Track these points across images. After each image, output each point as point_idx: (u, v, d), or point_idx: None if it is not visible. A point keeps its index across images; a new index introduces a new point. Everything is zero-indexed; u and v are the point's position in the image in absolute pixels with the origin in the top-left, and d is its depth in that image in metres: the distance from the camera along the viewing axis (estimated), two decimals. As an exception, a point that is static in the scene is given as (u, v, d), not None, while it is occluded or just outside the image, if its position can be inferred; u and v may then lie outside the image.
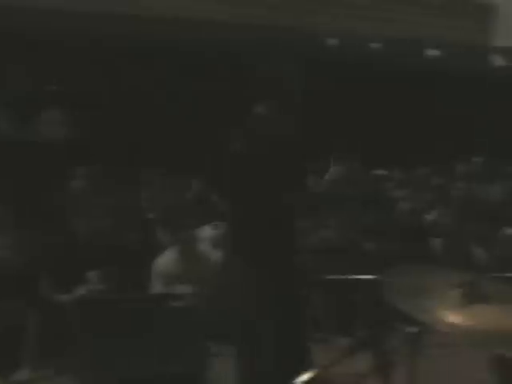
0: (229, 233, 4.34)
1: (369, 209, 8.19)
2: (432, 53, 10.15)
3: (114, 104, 10.17)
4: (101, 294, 6.03)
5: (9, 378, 5.46)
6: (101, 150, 8.96)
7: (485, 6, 10.43)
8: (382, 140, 13.26)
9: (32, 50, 9.70)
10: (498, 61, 10.60)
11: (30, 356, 5.61)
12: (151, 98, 10.42)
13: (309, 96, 4.07)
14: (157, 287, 6.24)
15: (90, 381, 4.94)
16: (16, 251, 6.01)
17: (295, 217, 4.15)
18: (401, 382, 2.67)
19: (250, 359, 3.86)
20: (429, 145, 13.71)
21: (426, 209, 8.46)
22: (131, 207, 7.73)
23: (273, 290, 3.80)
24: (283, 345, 3.79)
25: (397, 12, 9.83)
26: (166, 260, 6.34)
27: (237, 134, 3.89)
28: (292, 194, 3.98)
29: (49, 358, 5.61)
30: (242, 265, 3.86)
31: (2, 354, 5.35)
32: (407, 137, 13.36)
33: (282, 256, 3.91)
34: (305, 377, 2.49)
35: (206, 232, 6.89)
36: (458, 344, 2.51)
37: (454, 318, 2.38)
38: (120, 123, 9.91)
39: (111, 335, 4.96)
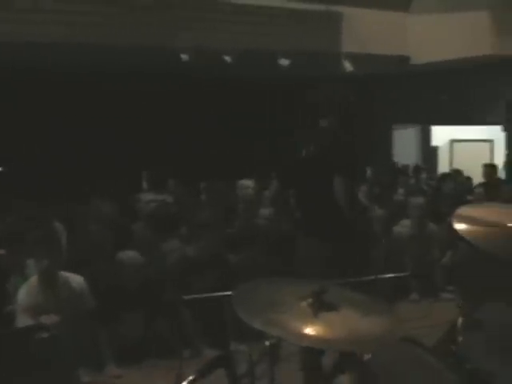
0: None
1: (230, 221, 8.28)
2: (283, 62, 10.36)
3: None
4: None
5: None
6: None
7: (330, 14, 10.73)
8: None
9: None
10: (348, 66, 10.94)
11: None
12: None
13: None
14: (22, 320, 6.06)
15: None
16: None
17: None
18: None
19: None
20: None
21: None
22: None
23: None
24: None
25: (246, 24, 9.97)
26: (27, 290, 6.16)
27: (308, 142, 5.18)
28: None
29: None
30: None
31: None
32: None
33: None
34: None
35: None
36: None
37: (305, 329, 2.45)
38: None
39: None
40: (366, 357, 2.82)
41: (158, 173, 10.99)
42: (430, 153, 15.05)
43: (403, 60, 11.95)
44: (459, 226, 3.48)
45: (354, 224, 5.16)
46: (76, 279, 6.27)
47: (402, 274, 3.97)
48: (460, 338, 3.20)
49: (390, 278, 4.56)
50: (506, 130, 11.62)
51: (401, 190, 10.30)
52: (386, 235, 8.52)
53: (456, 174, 11.55)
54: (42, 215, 8.21)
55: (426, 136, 15.05)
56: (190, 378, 2.48)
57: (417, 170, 12.98)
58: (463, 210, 3.70)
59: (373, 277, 3.91)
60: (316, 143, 5.19)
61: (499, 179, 10.86)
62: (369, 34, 11.00)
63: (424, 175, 12.55)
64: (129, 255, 6.66)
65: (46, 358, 5.34)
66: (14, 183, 10.06)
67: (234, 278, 6.66)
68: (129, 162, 12.13)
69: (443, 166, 14.63)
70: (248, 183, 9.80)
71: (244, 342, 3.04)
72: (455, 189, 10.48)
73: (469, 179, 11.50)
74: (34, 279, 6.15)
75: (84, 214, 8.63)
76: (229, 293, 5.20)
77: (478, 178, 10.99)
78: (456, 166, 13.38)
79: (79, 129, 12.28)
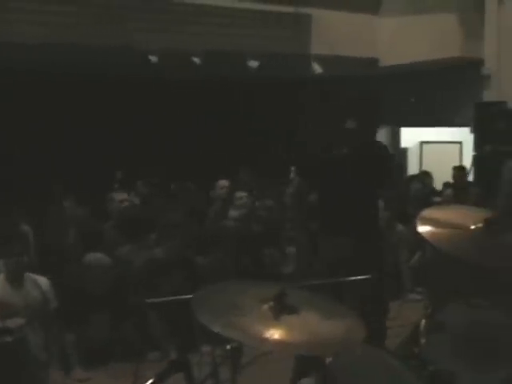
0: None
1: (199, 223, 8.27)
2: (252, 64, 10.35)
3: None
4: None
5: None
6: None
7: (299, 16, 10.74)
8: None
9: None
10: (317, 68, 10.96)
11: None
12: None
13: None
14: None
15: None
16: None
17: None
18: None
19: None
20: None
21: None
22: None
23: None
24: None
25: (215, 25, 9.96)
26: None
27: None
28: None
29: None
30: None
31: None
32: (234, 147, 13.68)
33: None
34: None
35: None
36: (276, 357, 2.58)
37: (266, 332, 2.44)
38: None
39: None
40: (328, 360, 2.82)
41: (129, 173, 10.98)
42: (399, 154, 15.10)
43: (372, 62, 12.00)
44: (422, 229, 3.50)
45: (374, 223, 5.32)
46: (41, 280, 6.23)
47: (364, 277, 3.98)
48: (423, 340, 3.22)
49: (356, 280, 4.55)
50: (474, 131, 11.68)
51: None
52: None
53: (424, 176, 11.61)
54: (9, 215, 8.16)
55: (395, 137, 15.09)
56: (149, 382, 2.47)
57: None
58: (427, 212, 3.73)
59: (335, 280, 3.91)
60: (344, 144, 5.26)
61: (468, 181, 10.94)
62: (338, 36, 11.03)
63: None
64: (96, 257, 6.62)
65: (10, 362, 5.30)
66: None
67: (202, 280, 6.64)
68: (101, 162, 12.06)
69: (413, 168, 14.69)
70: (224, 183, 9.78)
71: (211, 344, 3.02)
72: (422, 190, 10.53)
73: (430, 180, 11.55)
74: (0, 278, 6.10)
75: (53, 215, 8.58)
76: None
77: (447, 179, 11.06)
78: (425, 167, 13.44)
79: (49, 129, 12.17)
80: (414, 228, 7.77)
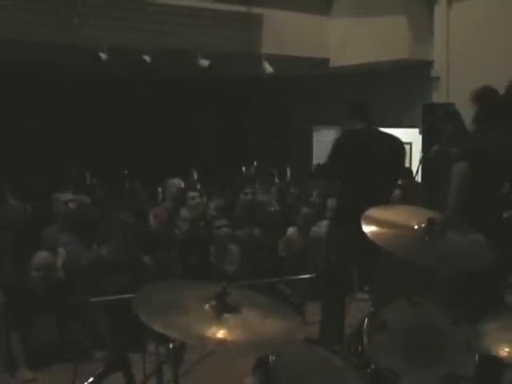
0: None
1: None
2: (203, 63, 10.32)
3: None
4: None
5: None
6: None
7: (250, 15, 10.75)
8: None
9: None
10: (267, 68, 10.97)
11: None
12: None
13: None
14: None
15: None
16: None
17: None
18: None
19: None
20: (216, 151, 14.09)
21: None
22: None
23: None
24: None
25: (165, 23, 9.90)
26: None
27: None
28: None
29: None
30: None
31: None
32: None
33: None
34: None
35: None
36: (219, 356, 2.58)
37: (208, 331, 2.44)
38: None
39: None
40: (271, 359, 2.82)
41: (79, 172, 10.89)
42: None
43: (322, 62, 12.07)
44: (367, 228, 3.53)
45: None
46: None
47: (308, 276, 3.99)
48: (365, 339, 3.25)
49: (301, 279, 4.56)
50: (422, 133, 11.81)
51: (315, 192, 10.34)
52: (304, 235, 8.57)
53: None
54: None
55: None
56: (89, 380, 2.45)
57: None
58: (371, 212, 3.76)
59: (278, 279, 3.90)
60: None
61: (415, 182, 11.05)
62: (289, 36, 11.07)
63: None
64: (40, 256, 6.55)
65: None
66: None
67: (149, 280, 6.61)
68: (51, 160, 11.95)
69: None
70: (176, 182, 9.73)
71: (156, 343, 3.01)
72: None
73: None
74: None
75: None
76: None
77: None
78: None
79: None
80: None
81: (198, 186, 10.51)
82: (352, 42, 11.74)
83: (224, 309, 2.50)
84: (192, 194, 9.19)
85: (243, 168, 12.69)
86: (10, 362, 6.20)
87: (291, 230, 8.65)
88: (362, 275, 7.11)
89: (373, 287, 5.80)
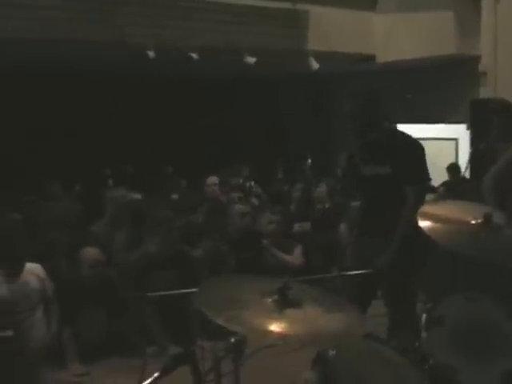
0: None
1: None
2: (249, 60, 10.35)
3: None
4: None
5: None
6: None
7: (296, 12, 10.75)
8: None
9: None
10: (314, 65, 10.96)
11: None
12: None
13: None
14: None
15: None
16: None
17: None
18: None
19: None
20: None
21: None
22: None
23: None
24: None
25: (212, 21, 9.94)
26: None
27: None
28: None
29: None
30: None
31: None
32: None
33: None
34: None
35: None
36: (278, 350, 2.58)
37: (268, 325, 2.45)
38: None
39: None
40: (331, 353, 2.83)
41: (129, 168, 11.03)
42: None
43: (369, 58, 12.03)
44: (423, 224, 3.51)
45: None
46: (36, 268, 6.23)
47: (365, 272, 3.98)
48: (423, 334, 3.24)
49: (355, 275, 4.56)
50: (470, 128, 11.71)
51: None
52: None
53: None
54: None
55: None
56: (155, 375, 2.47)
57: None
58: (427, 208, 3.74)
59: (336, 274, 3.91)
60: None
61: (463, 178, 10.95)
62: (335, 32, 11.05)
63: None
64: (90, 252, 6.62)
65: (9, 357, 5.31)
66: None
67: (199, 275, 6.67)
68: (101, 157, 12.07)
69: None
70: (213, 179, 9.77)
71: (209, 339, 3.02)
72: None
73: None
74: None
75: (46, 208, 8.59)
76: (192, 290, 5.21)
77: (442, 176, 11.07)
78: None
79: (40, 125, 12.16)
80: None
81: (252, 183, 10.55)
82: (398, 37, 11.67)
83: (286, 303, 2.51)
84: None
85: (296, 164, 12.71)
86: (62, 357, 6.31)
87: (342, 227, 8.62)
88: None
89: (422, 284, 5.73)
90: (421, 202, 4.57)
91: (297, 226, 8.58)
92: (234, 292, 2.61)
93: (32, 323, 6.01)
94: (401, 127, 14.51)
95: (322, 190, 10.51)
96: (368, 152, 5.18)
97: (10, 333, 5.47)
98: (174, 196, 9.90)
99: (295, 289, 2.57)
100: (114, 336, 6.52)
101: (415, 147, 5.31)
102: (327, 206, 9.46)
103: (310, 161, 12.84)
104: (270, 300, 2.54)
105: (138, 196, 9.07)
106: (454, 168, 11.17)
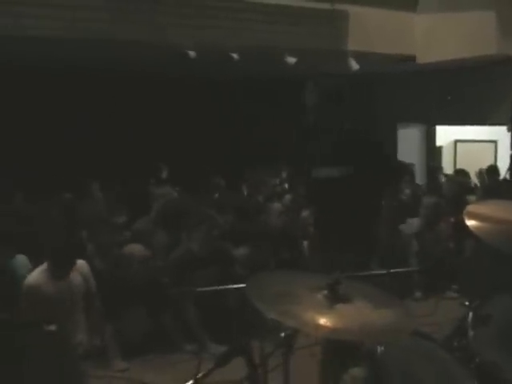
0: None
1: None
2: (290, 60, 10.36)
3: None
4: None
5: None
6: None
7: (336, 12, 10.74)
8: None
9: None
10: (354, 65, 10.94)
11: None
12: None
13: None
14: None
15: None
16: None
17: None
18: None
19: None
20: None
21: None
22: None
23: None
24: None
25: (252, 21, 9.97)
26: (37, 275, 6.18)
27: None
28: None
29: None
30: None
31: None
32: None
33: None
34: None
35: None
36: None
37: (319, 320, 2.48)
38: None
39: None
40: (379, 349, 2.85)
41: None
42: (434, 153, 15.04)
43: (409, 59, 11.97)
44: (470, 223, 3.51)
45: None
46: (81, 263, 6.36)
47: (412, 269, 3.98)
48: (470, 333, 3.24)
49: (397, 273, 4.56)
50: (510, 130, 11.62)
51: (407, 190, 10.27)
52: (393, 233, 8.52)
53: (460, 174, 11.57)
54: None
55: (430, 136, 15.03)
56: (209, 367, 2.51)
57: (435, 169, 12.92)
58: (474, 207, 3.74)
59: (384, 271, 3.92)
60: None
61: (504, 180, 10.89)
62: (375, 32, 11.01)
63: (441, 175, 12.44)
64: (134, 249, 6.69)
65: (53, 351, 5.38)
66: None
67: (239, 273, 6.72)
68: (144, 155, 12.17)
69: (447, 166, 14.63)
70: (254, 179, 9.82)
71: (254, 335, 3.06)
72: (459, 189, 10.48)
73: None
74: (44, 266, 6.17)
75: (86, 206, 8.70)
76: (234, 286, 5.25)
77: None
78: (459, 166, 13.38)
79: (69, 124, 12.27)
80: (454, 225, 7.80)
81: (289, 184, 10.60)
82: (439, 38, 11.59)
83: (336, 298, 2.54)
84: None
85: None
86: (105, 353, 6.39)
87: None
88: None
89: (467, 283, 5.73)
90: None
91: None
92: (285, 287, 2.65)
93: (75, 319, 6.10)
94: (440, 129, 14.55)
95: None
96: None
97: (53, 327, 5.53)
98: (215, 195, 9.96)
99: (345, 284, 2.60)
100: (155, 333, 6.58)
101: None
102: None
103: None
104: (320, 295, 2.57)
105: (178, 193, 9.15)
106: (492, 170, 11.09)
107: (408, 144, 14.97)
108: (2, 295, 6.05)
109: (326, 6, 10.71)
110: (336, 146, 14.12)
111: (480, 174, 10.72)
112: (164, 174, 11.27)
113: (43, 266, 6.19)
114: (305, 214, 8.30)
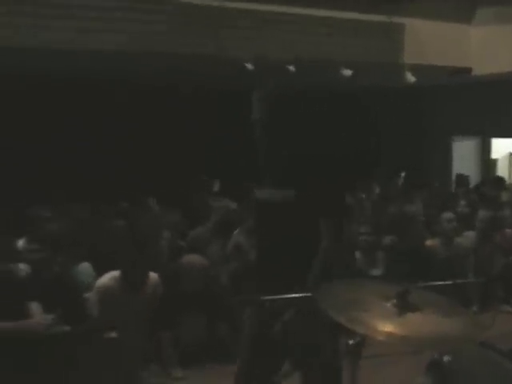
0: None
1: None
2: (346, 73, 10.38)
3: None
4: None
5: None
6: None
7: (392, 25, 10.75)
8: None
9: None
10: (409, 77, 10.92)
11: None
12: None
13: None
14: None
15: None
16: None
17: None
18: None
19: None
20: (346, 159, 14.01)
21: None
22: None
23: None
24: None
25: (308, 34, 10.02)
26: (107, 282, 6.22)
27: None
28: None
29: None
30: None
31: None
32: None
33: None
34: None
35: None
36: (395, 352, 2.64)
37: (389, 327, 2.51)
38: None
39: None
40: (445, 358, 2.87)
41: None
42: (488, 165, 14.90)
43: (464, 71, 11.91)
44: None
45: None
46: (154, 276, 6.38)
47: (470, 281, 3.97)
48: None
49: (454, 285, 4.53)
50: None
51: (462, 202, 10.18)
52: (448, 246, 8.46)
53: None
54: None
55: (485, 148, 14.90)
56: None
57: (498, 182, 12.73)
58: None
59: (451, 282, 3.90)
60: None
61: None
62: (431, 45, 10.99)
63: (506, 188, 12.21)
64: (193, 259, 6.75)
65: (112, 359, 5.47)
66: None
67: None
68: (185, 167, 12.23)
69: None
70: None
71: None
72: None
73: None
74: (116, 273, 6.20)
75: (145, 216, 8.79)
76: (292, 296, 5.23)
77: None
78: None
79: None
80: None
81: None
82: (495, 49, 11.53)
83: (405, 307, 2.57)
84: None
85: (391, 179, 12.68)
86: (162, 361, 6.44)
87: (432, 240, 8.57)
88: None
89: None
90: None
91: (388, 239, 8.57)
92: (355, 294, 2.69)
93: (138, 327, 6.16)
94: (495, 141, 14.40)
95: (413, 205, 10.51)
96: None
97: (114, 334, 5.61)
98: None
99: (414, 293, 2.63)
100: (212, 341, 6.62)
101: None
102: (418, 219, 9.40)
103: (403, 175, 12.78)
104: (389, 304, 2.60)
105: (233, 204, 9.23)
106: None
107: (463, 157, 14.84)
108: (66, 303, 6.13)
109: (382, 18, 10.72)
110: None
111: None
112: (216, 187, 11.32)
113: (115, 273, 6.21)
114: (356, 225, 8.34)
